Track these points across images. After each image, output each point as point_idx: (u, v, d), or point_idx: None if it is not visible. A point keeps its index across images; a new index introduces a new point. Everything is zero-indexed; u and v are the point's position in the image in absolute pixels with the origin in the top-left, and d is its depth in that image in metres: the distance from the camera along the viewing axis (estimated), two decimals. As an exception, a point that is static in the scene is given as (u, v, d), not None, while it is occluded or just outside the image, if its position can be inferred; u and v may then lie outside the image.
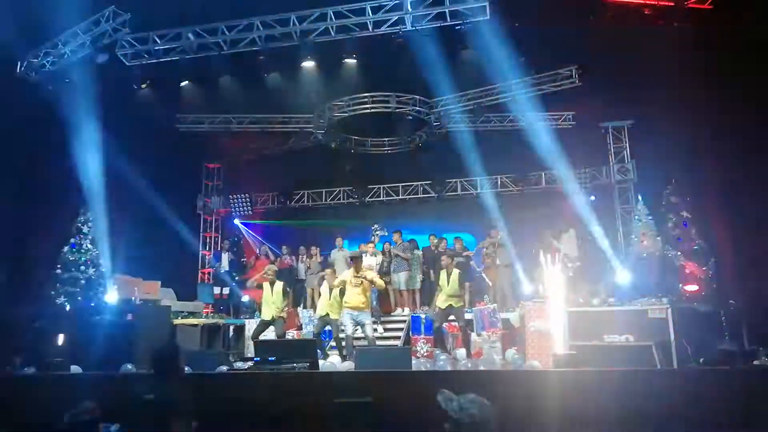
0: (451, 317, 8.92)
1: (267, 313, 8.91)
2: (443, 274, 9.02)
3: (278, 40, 10.69)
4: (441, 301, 8.94)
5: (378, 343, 9.61)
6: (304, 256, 12.43)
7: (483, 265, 11.13)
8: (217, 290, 12.26)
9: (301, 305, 11.71)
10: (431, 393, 5.74)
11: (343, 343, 8.42)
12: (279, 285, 8.97)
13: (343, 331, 8.43)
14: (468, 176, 14.46)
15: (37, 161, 10.92)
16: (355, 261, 8.63)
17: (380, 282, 8.72)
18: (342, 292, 8.63)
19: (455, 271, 8.93)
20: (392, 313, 11.08)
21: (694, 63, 9.22)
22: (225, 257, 12.56)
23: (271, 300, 8.86)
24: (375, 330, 9.99)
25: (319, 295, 9.64)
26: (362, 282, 8.30)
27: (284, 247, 12.97)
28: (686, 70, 9.35)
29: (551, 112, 13.25)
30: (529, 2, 9.64)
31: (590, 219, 11.05)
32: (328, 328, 9.17)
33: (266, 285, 9.03)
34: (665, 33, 9.57)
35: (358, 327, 8.42)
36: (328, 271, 9.64)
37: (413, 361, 6.96)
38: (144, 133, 11.98)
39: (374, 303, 10.53)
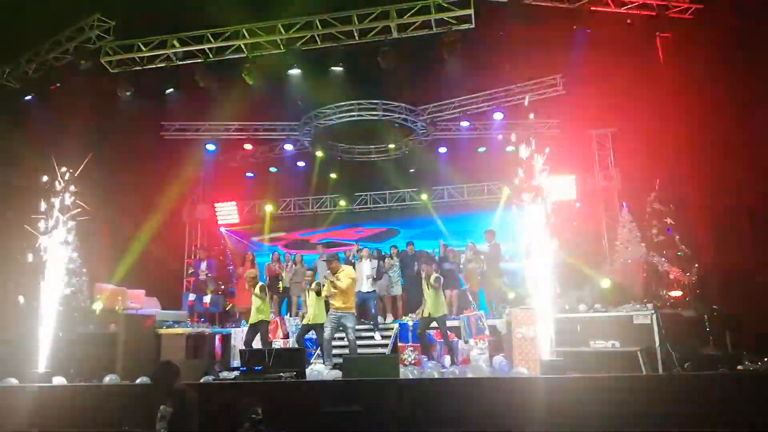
0: (434, 324, 8.93)
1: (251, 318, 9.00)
2: (424, 282, 9.01)
3: (264, 48, 10.67)
4: (424, 308, 8.98)
5: (366, 351, 9.54)
6: (289, 263, 12.30)
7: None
8: (192, 297, 11.89)
9: (288, 314, 11.60)
10: (419, 400, 5.74)
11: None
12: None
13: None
14: (453, 183, 14.53)
15: (19, 167, 10.77)
16: (330, 263, 8.48)
17: (339, 283, 8.37)
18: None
19: (432, 278, 8.91)
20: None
21: (676, 71, 9.36)
22: (203, 266, 12.34)
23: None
24: (372, 338, 9.99)
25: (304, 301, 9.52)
26: (335, 285, 8.26)
27: (271, 254, 12.86)
28: (669, 78, 9.49)
29: (536, 120, 13.34)
30: (514, 11, 9.72)
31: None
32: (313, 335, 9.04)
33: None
34: (648, 42, 9.71)
35: (341, 328, 8.34)
36: (309, 273, 9.25)
37: (401, 369, 6.93)
38: (128, 140, 11.89)
39: (372, 311, 10.49)
